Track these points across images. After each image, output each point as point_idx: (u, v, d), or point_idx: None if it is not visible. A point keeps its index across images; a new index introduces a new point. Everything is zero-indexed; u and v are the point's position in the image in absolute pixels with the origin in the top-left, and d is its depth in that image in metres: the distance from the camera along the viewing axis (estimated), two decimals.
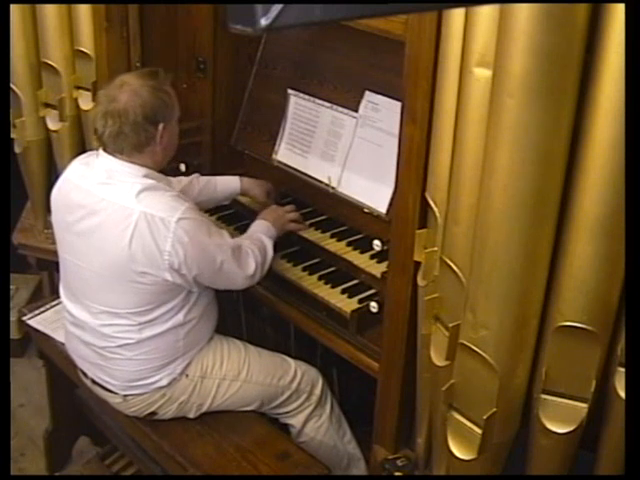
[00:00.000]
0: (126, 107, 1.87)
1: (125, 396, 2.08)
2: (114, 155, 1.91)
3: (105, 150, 1.93)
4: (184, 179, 2.32)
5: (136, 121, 1.87)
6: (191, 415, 2.11)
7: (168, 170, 2.50)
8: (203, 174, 2.56)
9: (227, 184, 2.37)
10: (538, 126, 1.26)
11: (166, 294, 1.95)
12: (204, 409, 2.11)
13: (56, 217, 2.06)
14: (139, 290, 1.92)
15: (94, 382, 2.14)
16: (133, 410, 2.10)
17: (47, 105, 2.64)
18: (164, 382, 2.05)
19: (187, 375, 2.07)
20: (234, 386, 2.11)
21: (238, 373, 2.12)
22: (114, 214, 1.88)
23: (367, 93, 2.20)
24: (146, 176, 1.92)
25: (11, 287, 3.24)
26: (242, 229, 2.34)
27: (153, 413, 2.09)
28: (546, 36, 1.20)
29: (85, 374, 2.16)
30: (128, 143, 1.89)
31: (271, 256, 2.10)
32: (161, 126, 1.91)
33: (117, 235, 1.87)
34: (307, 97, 2.36)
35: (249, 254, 2.01)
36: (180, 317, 2.00)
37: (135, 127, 1.88)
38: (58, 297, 2.21)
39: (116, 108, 1.87)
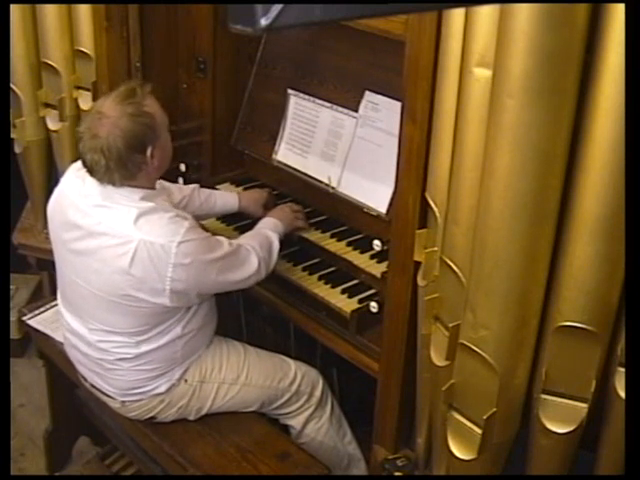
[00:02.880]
0: (108, 142, 1.79)
1: (123, 402, 2.07)
2: (108, 185, 1.86)
3: (99, 182, 1.87)
4: (185, 188, 2.28)
5: (120, 155, 1.81)
6: (191, 417, 2.10)
7: (168, 170, 2.50)
8: (203, 174, 2.57)
9: (226, 201, 2.34)
10: (538, 126, 1.26)
11: (163, 315, 1.94)
12: (204, 412, 2.10)
13: (52, 229, 2.02)
14: (136, 312, 1.91)
15: (93, 386, 2.14)
16: (133, 415, 2.10)
17: (47, 105, 2.64)
18: (162, 389, 2.04)
19: (186, 380, 2.06)
20: (233, 389, 2.11)
21: (237, 376, 2.11)
22: (112, 240, 1.84)
23: (367, 93, 2.20)
24: (143, 199, 1.86)
25: (11, 287, 3.24)
26: (242, 229, 2.34)
27: (153, 417, 2.09)
28: (546, 36, 1.20)
29: (84, 378, 2.16)
30: (118, 176, 1.84)
31: (277, 250, 2.08)
32: (149, 150, 1.84)
33: (116, 261, 1.84)
34: (307, 97, 2.35)
35: (250, 251, 2.00)
36: (178, 330, 1.99)
37: (120, 161, 1.81)
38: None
39: (99, 145, 1.80)
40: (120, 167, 1.82)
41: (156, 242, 1.82)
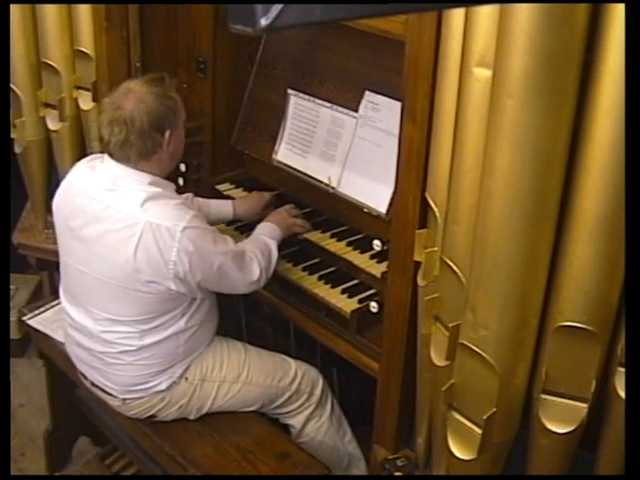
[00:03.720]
0: (132, 115, 1.84)
1: (124, 400, 2.07)
2: (120, 163, 1.90)
3: (112, 157, 1.91)
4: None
5: (142, 129, 1.85)
6: (191, 417, 2.11)
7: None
8: (203, 174, 2.57)
9: (220, 210, 2.33)
10: (538, 126, 1.26)
11: (169, 302, 1.95)
12: (204, 411, 2.10)
13: (58, 221, 2.04)
14: (142, 299, 1.91)
15: (93, 384, 2.14)
16: (133, 413, 2.10)
17: (47, 105, 2.64)
18: (163, 386, 2.04)
19: (187, 378, 2.07)
20: (234, 388, 2.11)
21: (238, 375, 2.11)
22: (119, 222, 1.86)
23: (367, 93, 2.20)
24: (152, 184, 1.90)
25: (11, 287, 3.24)
26: (242, 230, 2.34)
27: (153, 416, 2.09)
28: (546, 36, 1.20)
29: (85, 376, 2.16)
30: (135, 151, 1.87)
31: (275, 258, 2.09)
32: (168, 133, 1.89)
33: (121, 244, 1.86)
34: (307, 97, 2.35)
35: (253, 259, 2.01)
36: (182, 324, 2.00)
37: (141, 135, 1.86)
38: (58, 297, 2.21)
39: (122, 116, 1.85)
40: (139, 141, 1.86)
41: (162, 225, 1.84)
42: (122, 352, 2.00)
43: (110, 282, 1.91)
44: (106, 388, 2.09)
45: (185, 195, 2.28)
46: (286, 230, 2.19)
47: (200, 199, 2.32)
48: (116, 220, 1.87)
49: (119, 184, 1.89)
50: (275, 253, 2.09)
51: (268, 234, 2.13)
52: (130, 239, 1.84)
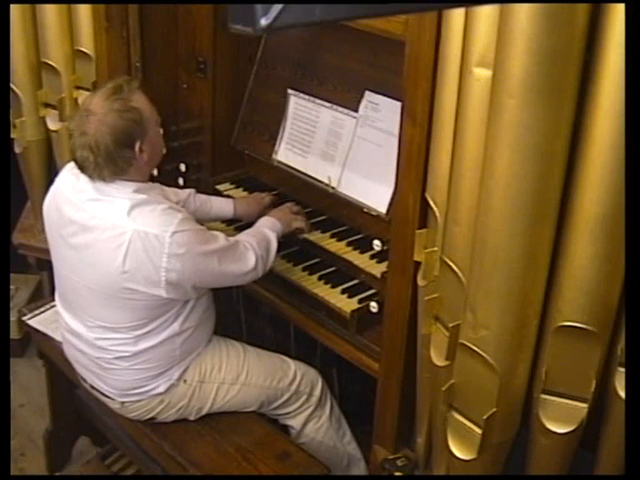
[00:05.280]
0: (96, 140, 1.81)
1: (123, 403, 2.07)
2: (99, 181, 1.87)
3: (90, 178, 1.88)
4: (180, 193, 2.25)
5: (108, 151, 1.82)
6: (191, 418, 2.11)
7: (168, 170, 2.50)
8: (203, 174, 2.57)
9: (221, 208, 2.32)
10: (538, 126, 1.27)
11: (161, 308, 1.94)
12: (204, 412, 2.10)
13: (49, 227, 2.03)
14: (133, 306, 1.91)
15: (92, 387, 2.14)
16: (132, 415, 2.10)
17: (47, 105, 2.64)
18: (161, 389, 2.04)
19: (185, 380, 2.06)
20: (233, 389, 2.11)
21: (237, 376, 2.11)
22: (106, 232, 1.85)
23: (367, 93, 2.20)
24: (136, 191, 1.87)
25: (11, 287, 3.24)
26: (242, 229, 2.34)
27: (153, 418, 2.09)
28: (546, 36, 1.20)
29: (84, 379, 2.16)
30: (108, 172, 1.84)
31: (275, 249, 2.08)
32: (137, 144, 1.85)
33: (111, 253, 1.84)
34: (307, 97, 2.35)
35: (247, 248, 1.99)
36: (176, 327, 1.99)
37: (109, 157, 1.82)
38: None
39: (87, 142, 1.81)
40: (109, 163, 1.83)
41: (150, 232, 1.82)
42: (117, 358, 1.99)
43: (100, 290, 1.91)
44: (104, 391, 2.09)
45: (188, 191, 2.29)
46: (287, 226, 2.18)
47: (202, 195, 2.32)
48: (103, 230, 1.85)
49: (103, 193, 1.87)
50: (274, 244, 2.08)
51: (268, 226, 2.12)
52: (118, 248, 1.83)
